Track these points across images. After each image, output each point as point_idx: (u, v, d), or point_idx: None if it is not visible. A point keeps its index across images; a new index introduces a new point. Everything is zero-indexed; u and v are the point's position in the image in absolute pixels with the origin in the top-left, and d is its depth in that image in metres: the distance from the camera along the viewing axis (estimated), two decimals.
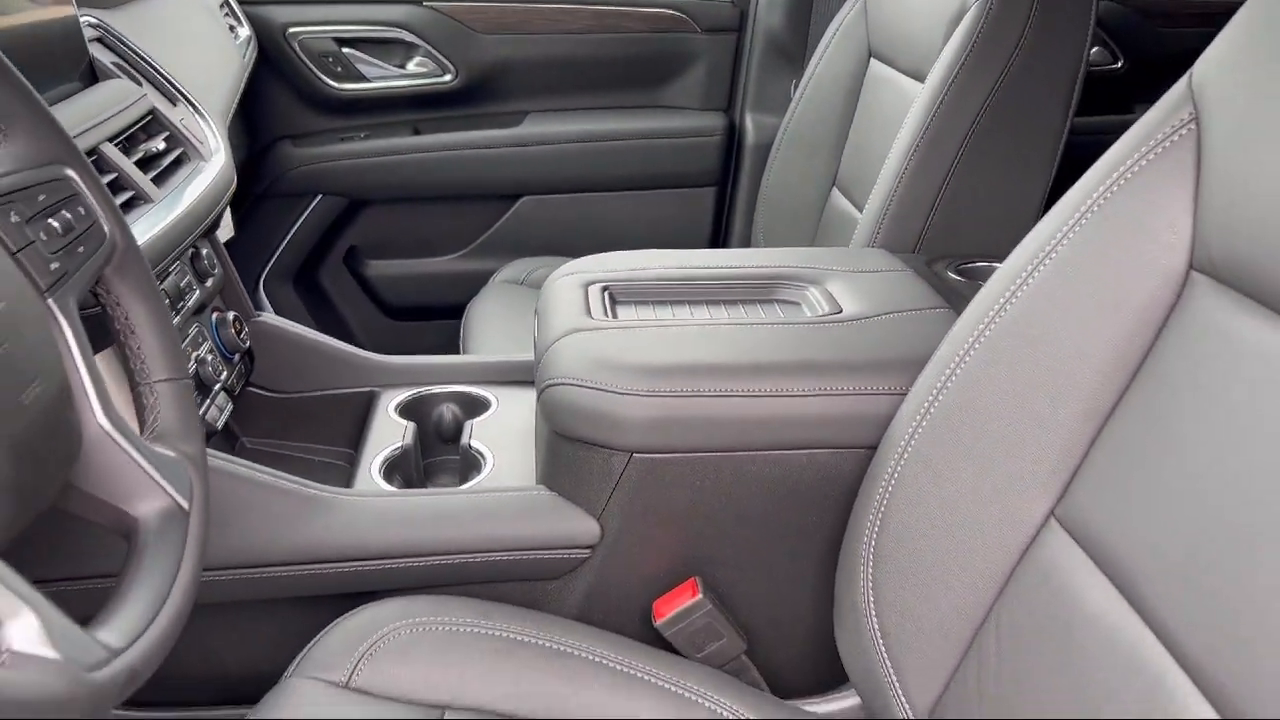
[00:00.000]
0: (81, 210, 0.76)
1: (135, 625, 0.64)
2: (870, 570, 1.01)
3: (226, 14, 1.88)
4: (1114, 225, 0.88)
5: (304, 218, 2.15)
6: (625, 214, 2.21)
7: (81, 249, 0.75)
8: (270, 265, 2.17)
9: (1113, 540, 0.82)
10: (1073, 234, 0.90)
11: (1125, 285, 0.86)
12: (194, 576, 0.71)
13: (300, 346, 1.39)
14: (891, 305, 1.21)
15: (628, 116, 2.23)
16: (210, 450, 1.08)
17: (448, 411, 1.37)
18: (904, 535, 0.98)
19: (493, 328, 1.77)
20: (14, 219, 0.69)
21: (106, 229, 0.78)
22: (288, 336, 1.39)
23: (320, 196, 2.15)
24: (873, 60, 1.81)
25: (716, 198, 2.25)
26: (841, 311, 1.21)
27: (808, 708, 1.11)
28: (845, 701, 1.13)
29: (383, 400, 1.37)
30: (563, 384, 1.08)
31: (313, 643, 0.99)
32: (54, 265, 0.71)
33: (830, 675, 1.13)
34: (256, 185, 2.12)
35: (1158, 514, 0.78)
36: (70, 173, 0.77)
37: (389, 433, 1.30)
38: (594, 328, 1.16)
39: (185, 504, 0.73)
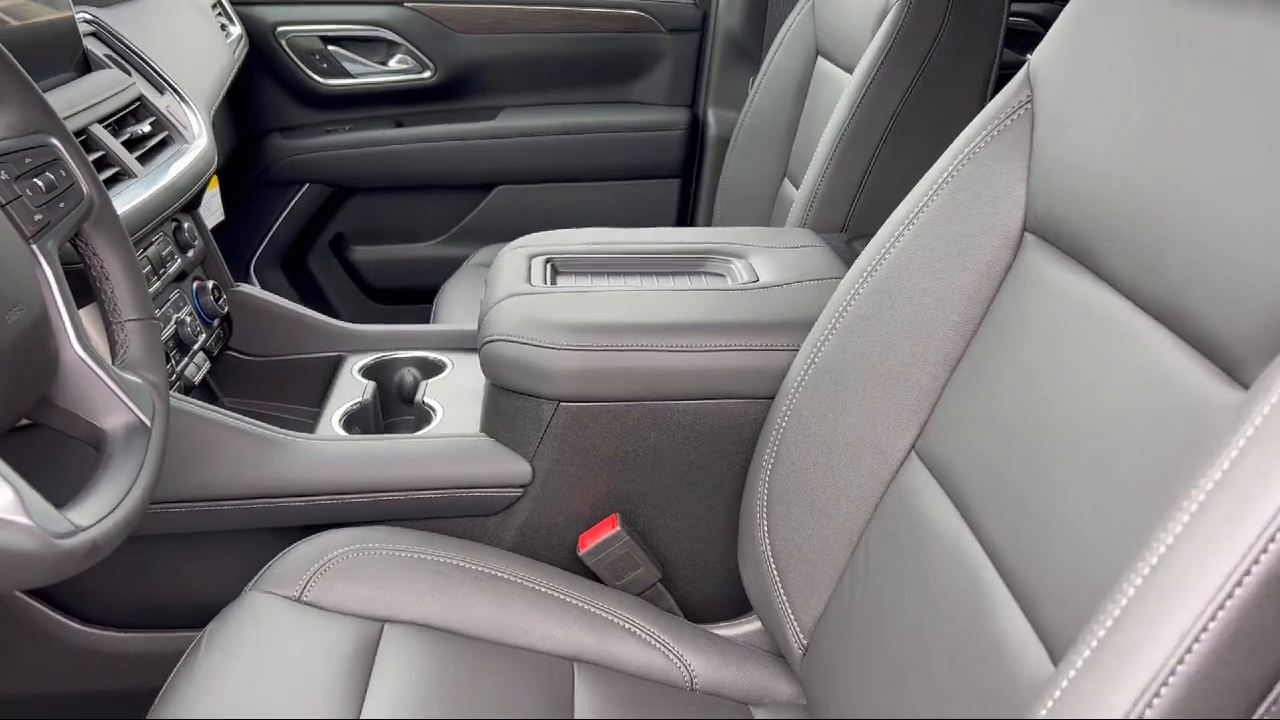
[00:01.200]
0: (63, 172, 0.90)
1: (100, 510, 0.77)
2: (765, 505, 1.13)
3: (219, 13, 2.02)
4: (963, 195, 1.00)
5: (292, 205, 2.29)
6: (594, 203, 2.34)
7: (62, 204, 0.88)
8: (260, 250, 2.31)
9: (954, 466, 0.94)
10: (930, 204, 1.02)
11: (973, 246, 0.99)
12: (153, 478, 0.84)
13: (275, 315, 1.52)
14: (801, 275, 1.33)
15: (597, 111, 2.37)
16: (190, 399, 1.22)
17: (408, 375, 1.50)
18: (793, 472, 1.10)
19: (460, 305, 1.90)
20: (3, 177, 0.83)
21: (85, 189, 0.91)
22: (264, 305, 1.52)
23: (307, 185, 2.29)
24: (819, 58, 1.93)
25: (681, 188, 2.38)
26: (758, 281, 1.34)
27: (716, 631, 1.23)
28: (749, 625, 1.25)
29: (348, 363, 1.50)
30: (499, 340, 1.22)
31: (269, 564, 1.12)
32: (38, 217, 0.84)
33: (736, 602, 1.26)
34: (248, 174, 2.26)
35: (986, 440, 0.90)
36: (54, 141, 0.90)
37: (351, 390, 1.43)
38: (532, 293, 1.29)
39: (148, 421, 0.86)
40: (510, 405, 1.23)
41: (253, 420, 1.22)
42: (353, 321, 1.57)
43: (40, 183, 0.86)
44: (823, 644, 1.06)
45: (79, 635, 1.26)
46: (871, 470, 1.04)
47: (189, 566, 1.25)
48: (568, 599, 1.16)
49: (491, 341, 1.22)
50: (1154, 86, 0.81)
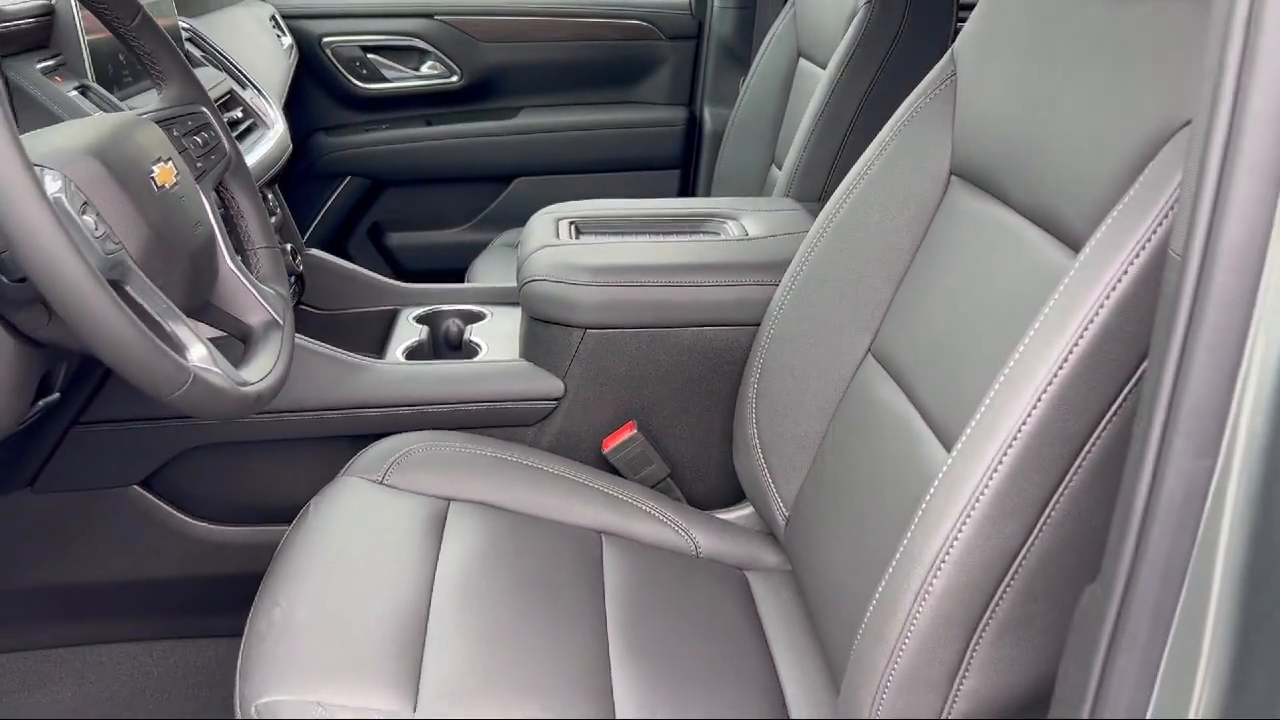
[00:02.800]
0: (211, 134, 1.17)
1: (258, 375, 1.03)
2: (754, 406, 1.40)
3: (275, 26, 2.31)
4: (905, 149, 1.27)
5: (335, 196, 2.57)
6: (603, 192, 2.60)
7: (212, 158, 1.16)
8: (306, 237, 2.58)
9: (899, 357, 1.21)
10: (880, 158, 1.30)
11: (913, 188, 1.26)
12: (289, 359, 1.11)
13: (340, 274, 1.79)
14: (783, 230, 1.61)
15: (605, 110, 2.66)
16: None
17: (454, 324, 1.76)
18: (775, 379, 1.37)
19: (489, 278, 2.18)
20: (175, 133, 1.10)
21: (227, 148, 1.19)
22: (332, 267, 1.79)
23: (349, 178, 2.57)
24: (800, 59, 2.21)
25: (681, 177, 2.66)
26: (748, 235, 1.62)
27: (716, 515, 1.49)
28: (742, 511, 1.51)
29: (403, 314, 1.77)
30: (537, 280, 1.49)
31: (354, 458, 1.39)
32: (199, 164, 1.12)
33: (732, 492, 1.52)
34: (296, 168, 2.54)
35: (922, 332, 1.18)
36: (204, 110, 1.18)
37: (408, 333, 1.70)
38: (560, 245, 1.56)
39: (280, 320, 1.14)
40: (545, 334, 1.50)
41: (337, 349, 1.49)
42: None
43: (198, 139, 1.14)
44: (801, 512, 1.32)
45: (190, 528, 1.52)
46: (837, 371, 1.31)
47: (280, 470, 1.52)
48: (595, 487, 1.42)
49: (530, 282, 1.50)
50: (1038, 57, 1.08)
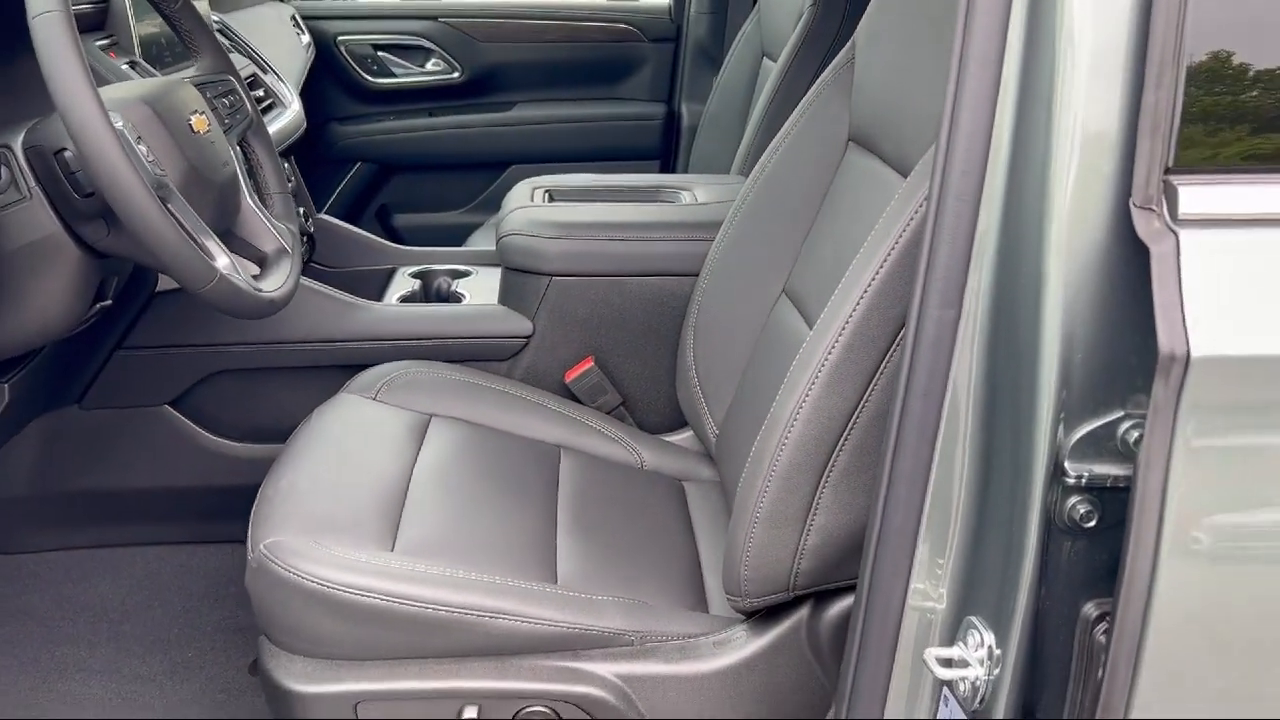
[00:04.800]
0: (237, 99, 1.43)
1: (273, 287, 1.29)
2: (692, 343, 1.64)
3: (294, 25, 2.59)
4: (816, 122, 1.52)
5: (347, 180, 2.84)
6: None
7: (238, 117, 1.42)
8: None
9: (802, 290, 1.45)
10: (794, 130, 1.54)
11: (820, 153, 1.50)
12: (296, 279, 1.36)
13: (346, 237, 2.05)
14: (726, 198, 1.85)
15: (592, 105, 2.92)
16: None
17: (443, 280, 2.02)
18: (709, 319, 1.62)
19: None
20: (208, 95, 1.36)
21: (249, 110, 1.45)
22: (338, 230, 2.05)
23: (359, 164, 2.84)
24: (764, 59, 2.46)
25: (660, 168, 2.92)
26: (697, 202, 1.87)
27: (661, 438, 1.74)
28: (683, 434, 1.75)
29: (399, 271, 2.03)
30: (512, 234, 1.74)
31: (351, 380, 1.64)
32: (226, 120, 1.38)
33: (674, 419, 1.76)
34: (311, 155, 2.81)
35: (817, 267, 1.42)
36: (231, 79, 1.44)
37: (403, 285, 1.96)
38: (534, 206, 1.82)
39: (289, 248, 1.39)
40: (518, 281, 1.75)
41: (338, 290, 1.75)
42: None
43: (226, 101, 1.40)
44: (727, 428, 1.56)
45: (211, 443, 1.78)
46: (758, 308, 1.55)
47: (287, 394, 1.77)
48: (557, 410, 1.67)
49: (506, 236, 1.75)
50: (904, 41, 1.33)
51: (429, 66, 2.88)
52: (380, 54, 2.84)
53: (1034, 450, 0.84)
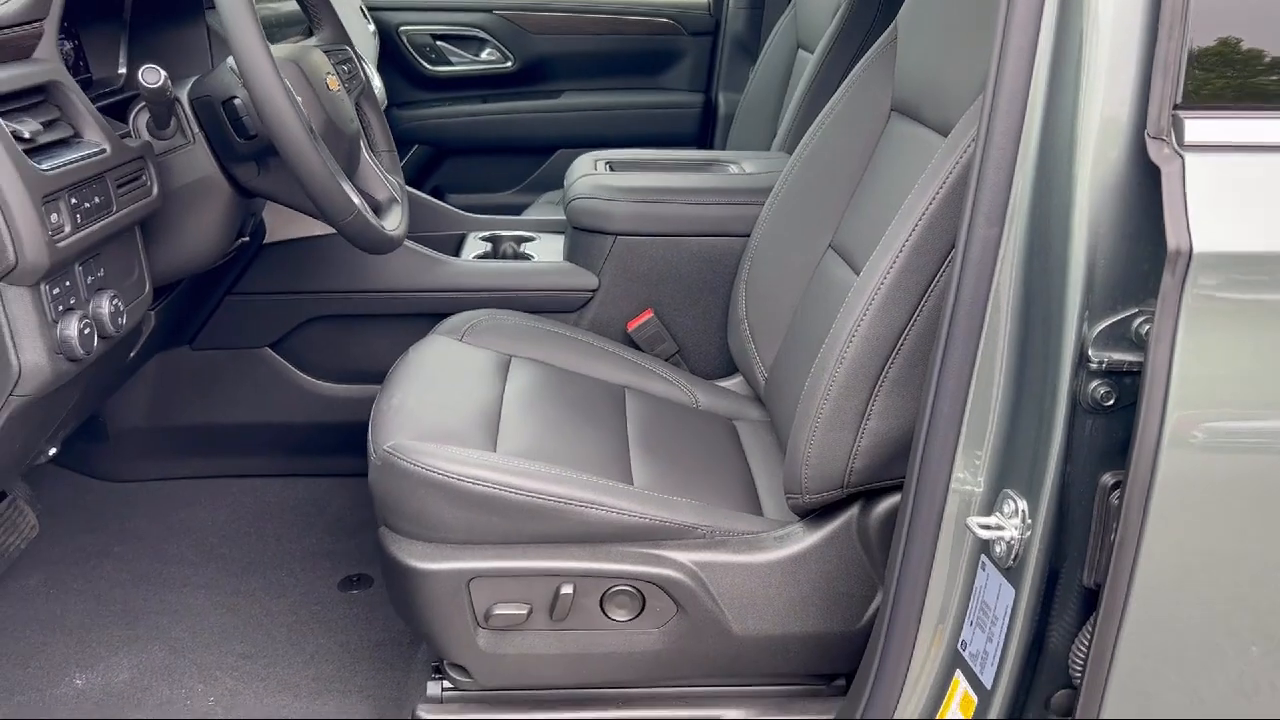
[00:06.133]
0: (352, 67, 1.62)
1: (392, 225, 1.47)
2: (744, 295, 1.83)
3: (362, 14, 2.78)
4: (859, 97, 1.71)
5: (404, 162, 3.02)
6: None
7: (354, 82, 1.60)
8: None
9: (848, 243, 1.64)
10: (841, 102, 1.73)
11: (864, 124, 1.69)
12: (408, 221, 1.54)
13: (422, 204, 2.24)
14: (773, 169, 2.04)
15: (634, 94, 3.12)
16: None
17: (510, 244, 2.20)
18: (759, 273, 1.80)
19: None
20: (333, 61, 1.55)
21: (363, 77, 1.64)
22: (414, 198, 2.23)
23: (416, 146, 3.03)
24: (799, 50, 2.65)
25: None
26: (746, 172, 2.06)
27: (714, 383, 1.92)
28: (734, 380, 1.93)
29: (470, 235, 2.22)
30: (580, 198, 1.93)
31: (438, 325, 1.82)
32: (347, 85, 1.57)
33: (726, 366, 1.95)
34: None
35: (863, 223, 1.60)
36: (348, 49, 1.63)
37: (475, 248, 2.15)
38: (598, 174, 2.01)
39: (398, 197, 1.58)
40: (584, 240, 1.94)
41: (424, 246, 1.93)
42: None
43: (345, 69, 1.59)
44: (776, 371, 1.74)
45: (306, 384, 1.97)
46: (805, 262, 1.73)
47: (375, 340, 1.96)
48: (621, 355, 1.85)
49: (575, 199, 1.94)
50: (947, 19, 1.52)
51: (483, 56, 3.08)
52: (439, 43, 3.04)
53: (1063, 342, 1.03)
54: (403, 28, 3.01)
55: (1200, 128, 0.95)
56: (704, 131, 3.12)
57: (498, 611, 1.33)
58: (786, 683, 1.44)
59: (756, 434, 1.76)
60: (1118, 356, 1.01)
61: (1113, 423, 1.04)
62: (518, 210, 2.86)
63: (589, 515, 1.34)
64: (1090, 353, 1.02)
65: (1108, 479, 1.06)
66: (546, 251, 2.12)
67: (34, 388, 1.09)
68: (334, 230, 1.86)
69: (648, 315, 1.92)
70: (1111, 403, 1.03)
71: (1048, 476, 1.06)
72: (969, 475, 1.15)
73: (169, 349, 1.91)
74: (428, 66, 3.05)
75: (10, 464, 1.26)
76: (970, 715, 1.16)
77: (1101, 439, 1.05)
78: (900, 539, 1.21)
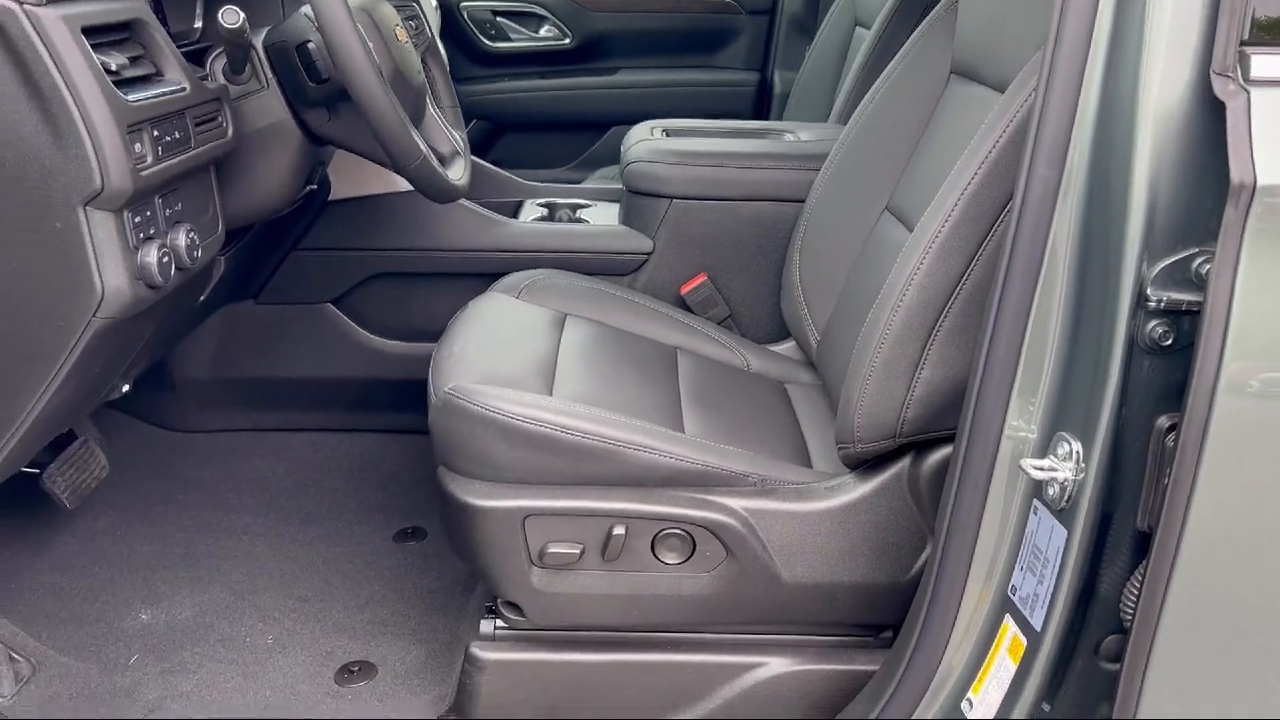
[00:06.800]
0: (418, 23, 1.66)
1: (456, 175, 1.51)
2: (798, 260, 1.84)
3: None
4: (917, 62, 1.71)
5: None
6: None
7: (420, 37, 1.64)
8: None
9: (906, 206, 1.64)
10: (897, 71, 1.73)
11: (922, 88, 1.69)
12: (470, 174, 1.58)
13: (480, 170, 2.27)
14: (829, 136, 2.05)
15: (691, 72, 3.14)
16: None
17: (565, 212, 2.23)
18: (814, 236, 1.81)
19: None
20: (401, 16, 1.59)
21: (429, 33, 1.68)
22: (476, 165, 2.28)
23: (475, 121, 3.07)
24: (857, 27, 2.65)
25: None
26: (801, 139, 2.07)
27: (765, 348, 1.93)
28: (785, 345, 1.94)
29: (527, 201, 2.25)
30: (637, 162, 1.96)
31: (495, 283, 1.85)
32: (414, 39, 1.60)
33: (777, 331, 1.96)
34: None
35: (921, 184, 1.61)
36: (415, 4, 1.66)
37: (533, 213, 2.18)
38: (654, 140, 2.03)
39: (460, 150, 1.61)
40: (640, 204, 1.96)
41: (481, 207, 1.97)
42: None
43: (412, 24, 1.62)
44: (829, 334, 1.75)
45: (365, 339, 2.02)
46: (861, 225, 1.74)
47: (433, 298, 2.00)
48: (674, 317, 1.87)
49: (632, 164, 1.96)
50: None
51: (542, 32, 3.11)
52: (499, 19, 3.08)
53: (1121, 283, 1.03)
54: (464, 3, 3.06)
55: (1266, 63, 0.95)
56: (759, 110, 3.13)
57: (551, 550, 1.36)
58: (834, 633, 1.46)
59: (808, 396, 1.77)
60: (1177, 296, 1.02)
61: (1170, 364, 1.04)
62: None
63: (642, 458, 1.37)
64: (1149, 292, 1.02)
65: (1163, 421, 1.06)
66: (601, 219, 2.15)
67: (115, 311, 1.14)
68: (396, 191, 1.94)
69: (701, 279, 1.94)
70: (1169, 343, 1.03)
71: (1103, 419, 1.07)
72: (1023, 421, 1.16)
73: (235, 302, 1.97)
74: (487, 42, 3.09)
75: (88, 392, 1.31)
76: (1019, 658, 1.17)
77: (1158, 381, 1.05)
78: (952, 485, 1.21)
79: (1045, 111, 1.07)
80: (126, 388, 1.54)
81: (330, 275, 1.96)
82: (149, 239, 1.17)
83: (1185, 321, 1.02)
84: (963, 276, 1.28)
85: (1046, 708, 1.16)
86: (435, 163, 1.42)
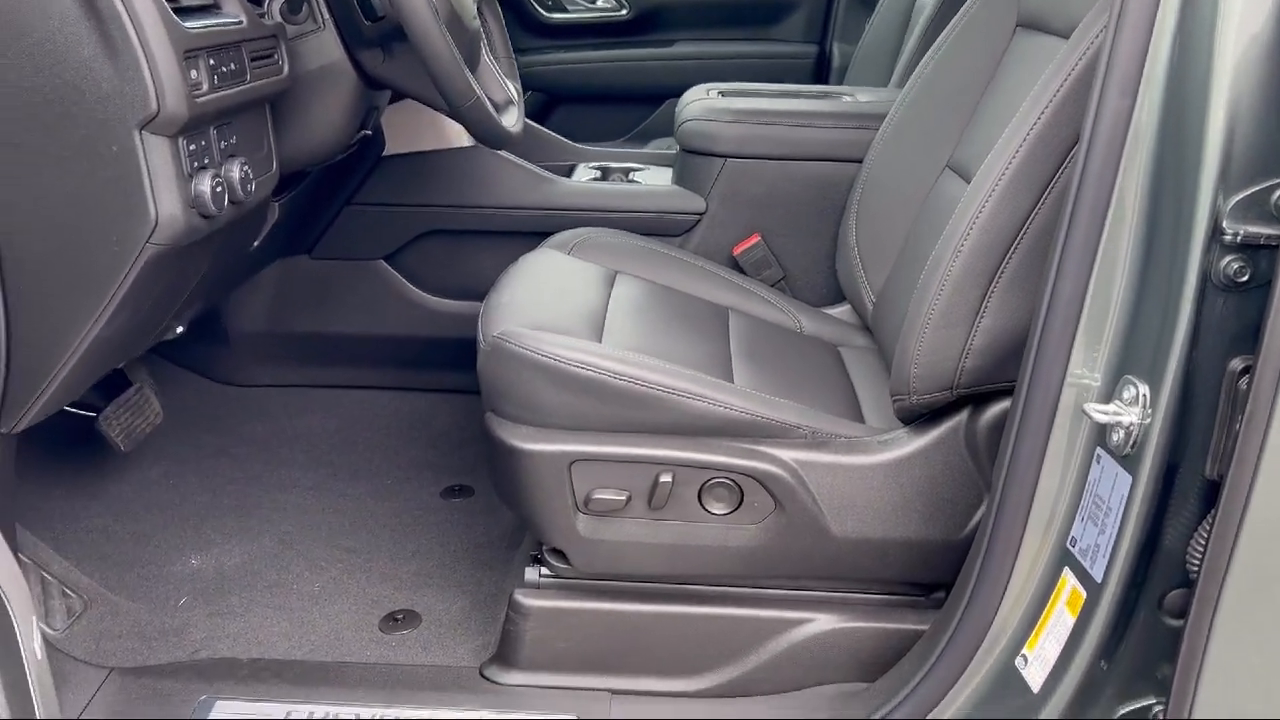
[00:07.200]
0: None
1: (510, 122, 1.49)
2: (854, 220, 1.81)
3: None
4: (980, 17, 1.66)
5: None
6: None
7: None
8: None
9: (969, 162, 1.60)
10: (959, 27, 1.69)
11: (986, 42, 1.65)
12: (523, 122, 1.56)
13: (533, 133, 2.27)
14: (889, 98, 2.01)
15: (748, 44, 3.10)
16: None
17: (618, 176, 2.22)
18: (872, 196, 1.78)
19: None
20: None
21: None
22: (526, 126, 2.27)
23: (530, 93, 3.07)
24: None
25: None
26: (859, 100, 2.03)
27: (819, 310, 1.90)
28: (839, 309, 1.91)
29: (580, 165, 2.24)
30: (691, 120, 1.93)
31: (546, 240, 1.84)
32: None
33: (831, 294, 1.92)
34: None
35: (981, 135, 1.56)
36: None
37: (586, 175, 2.17)
38: (709, 99, 2.01)
39: (514, 99, 1.60)
40: (694, 163, 1.94)
41: (533, 164, 1.96)
42: None
43: None
44: (885, 293, 1.71)
45: (416, 297, 2.02)
46: (921, 183, 1.70)
47: (483, 256, 1.99)
48: (726, 277, 1.85)
49: (686, 122, 1.94)
50: None
51: (599, 4, 3.10)
52: None
53: (1195, 216, 0.99)
54: None
55: None
56: (816, 82, 3.08)
57: (597, 496, 1.35)
58: (884, 591, 1.42)
59: (862, 358, 1.74)
60: (1254, 230, 0.97)
61: (1244, 303, 1.00)
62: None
63: (691, 406, 1.34)
64: (1225, 226, 0.97)
65: (1236, 364, 1.01)
66: (657, 178, 2.13)
67: (168, 238, 1.14)
68: (451, 147, 1.94)
69: (755, 240, 1.91)
70: (1245, 280, 0.99)
71: (1172, 361, 1.03)
72: (1086, 368, 1.12)
73: (290, 256, 1.98)
74: (544, 13, 3.09)
75: (141, 325, 1.32)
76: (1078, 612, 1.13)
77: (1231, 320, 1.01)
78: (1010, 434, 1.18)
79: (1118, 41, 1.03)
80: (180, 329, 1.55)
81: (383, 231, 1.97)
82: (203, 168, 1.18)
83: (1262, 257, 0.98)
84: (1027, 219, 1.24)
85: (1104, 665, 1.12)
86: (489, 105, 1.41)
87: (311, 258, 1.98)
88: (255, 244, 1.58)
